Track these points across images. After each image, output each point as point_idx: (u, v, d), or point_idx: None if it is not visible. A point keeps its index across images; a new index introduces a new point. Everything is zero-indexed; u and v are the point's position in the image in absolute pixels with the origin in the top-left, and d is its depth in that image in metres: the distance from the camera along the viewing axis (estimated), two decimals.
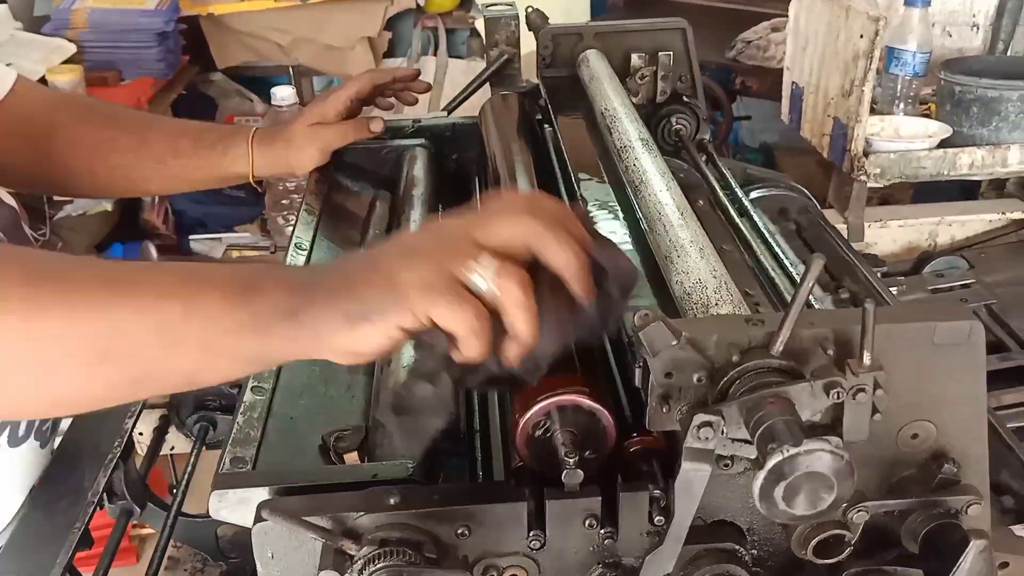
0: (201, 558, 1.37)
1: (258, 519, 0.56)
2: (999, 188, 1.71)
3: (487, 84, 1.24)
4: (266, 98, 3.84)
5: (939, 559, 0.55)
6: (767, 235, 0.95)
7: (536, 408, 0.60)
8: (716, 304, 0.59)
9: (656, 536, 0.59)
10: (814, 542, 0.55)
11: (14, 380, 0.52)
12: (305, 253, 0.91)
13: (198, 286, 0.53)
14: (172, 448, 1.40)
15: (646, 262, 0.74)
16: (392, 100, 1.11)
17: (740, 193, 1.04)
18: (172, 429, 1.38)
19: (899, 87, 1.46)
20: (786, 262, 0.88)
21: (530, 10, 1.17)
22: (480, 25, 3.40)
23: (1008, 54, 1.56)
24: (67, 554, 0.92)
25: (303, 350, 0.53)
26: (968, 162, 1.35)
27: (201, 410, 1.35)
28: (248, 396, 0.69)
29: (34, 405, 0.57)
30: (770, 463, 0.46)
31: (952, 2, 1.55)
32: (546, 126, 1.13)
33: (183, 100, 3.19)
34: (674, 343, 0.51)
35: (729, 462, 0.55)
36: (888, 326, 0.53)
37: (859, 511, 0.55)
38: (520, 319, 0.51)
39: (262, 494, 0.59)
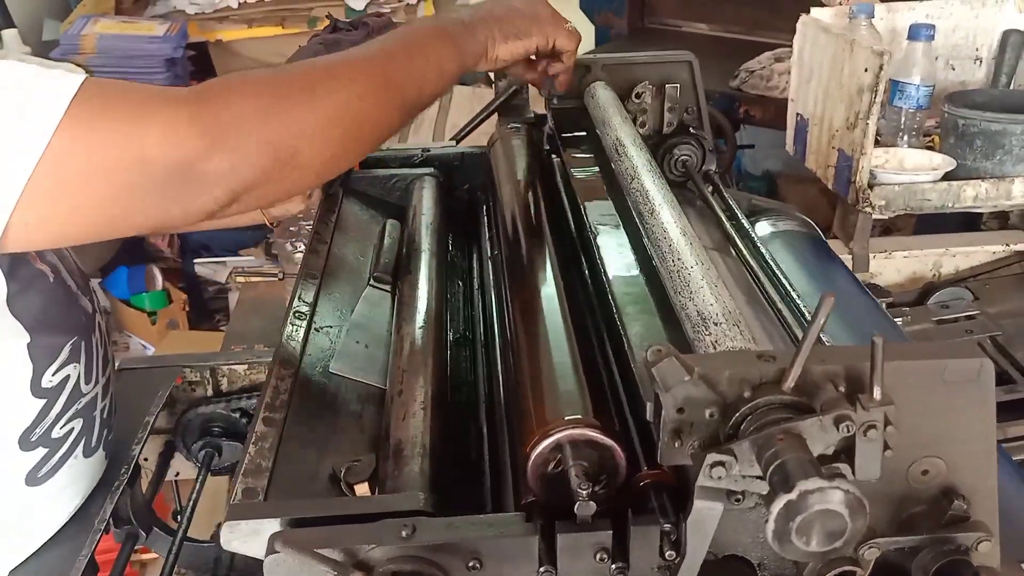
0: None
1: (270, 551, 0.56)
2: (1002, 218, 1.72)
3: (495, 114, 1.25)
4: None
5: None
6: (774, 267, 0.95)
7: (548, 441, 0.60)
8: (729, 339, 0.60)
9: (667, 571, 0.59)
10: (831, 575, 0.55)
11: (353, 134, 0.76)
12: (316, 282, 0.92)
13: (419, 34, 0.86)
14: (177, 474, 1.40)
15: (654, 293, 0.75)
16: None
17: (747, 224, 1.05)
18: (177, 455, 1.38)
19: (903, 119, 1.47)
20: (793, 295, 0.88)
21: None
22: None
23: (1011, 87, 1.58)
24: None
25: (476, 58, 0.90)
26: (972, 195, 1.36)
27: (206, 436, 1.36)
28: (260, 427, 0.69)
29: (355, 136, 0.77)
30: (782, 501, 0.47)
31: (955, 36, 1.57)
32: (554, 156, 1.14)
33: None
34: (686, 379, 0.52)
35: (741, 497, 0.55)
36: (898, 363, 0.53)
37: (870, 548, 0.55)
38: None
39: (274, 525, 0.59)
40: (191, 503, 1.24)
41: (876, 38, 1.37)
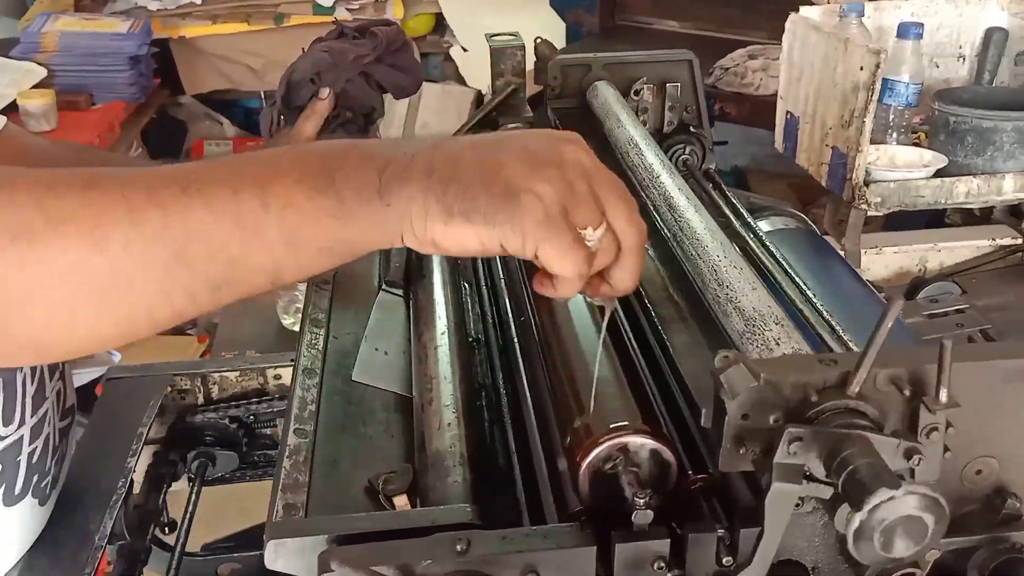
0: None
1: (324, 569, 0.54)
2: (966, 214, 1.75)
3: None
4: (237, 121, 3.82)
5: None
6: (787, 266, 0.95)
7: (601, 449, 0.59)
8: (778, 342, 0.59)
9: None
10: None
11: (84, 299, 0.47)
12: (328, 288, 0.90)
13: (274, 172, 0.49)
14: (168, 486, 1.36)
15: (683, 294, 0.75)
16: None
17: (753, 222, 1.05)
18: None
19: (892, 117, 1.49)
20: (810, 294, 0.88)
21: (539, 41, 1.17)
22: (455, 51, 3.42)
23: (993, 84, 1.61)
24: None
25: (387, 237, 0.51)
26: (965, 191, 1.38)
27: (199, 446, 1.33)
28: (292, 439, 0.68)
29: (109, 329, 0.49)
30: (865, 509, 0.46)
31: (939, 34, 1.60)
32: None
33: (152, 124, 3.15)
34: (754, 385, 0.51)
35: (800, 502, 0.55)
36: (956, 364, 0.53)
37: (932, 549, 0.55)
38: (633, 273, 0.55)
39: (320, 543, 0.58)
40: (188, 516, 1.21)
41: (867, 36, 1.38)
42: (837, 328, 0.83)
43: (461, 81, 3.39)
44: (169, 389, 1.32)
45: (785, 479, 0.51)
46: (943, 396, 0.51)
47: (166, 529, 1.34)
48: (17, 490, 0.82)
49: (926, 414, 0.52)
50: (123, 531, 1.17)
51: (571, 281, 0.53)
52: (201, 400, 1.35)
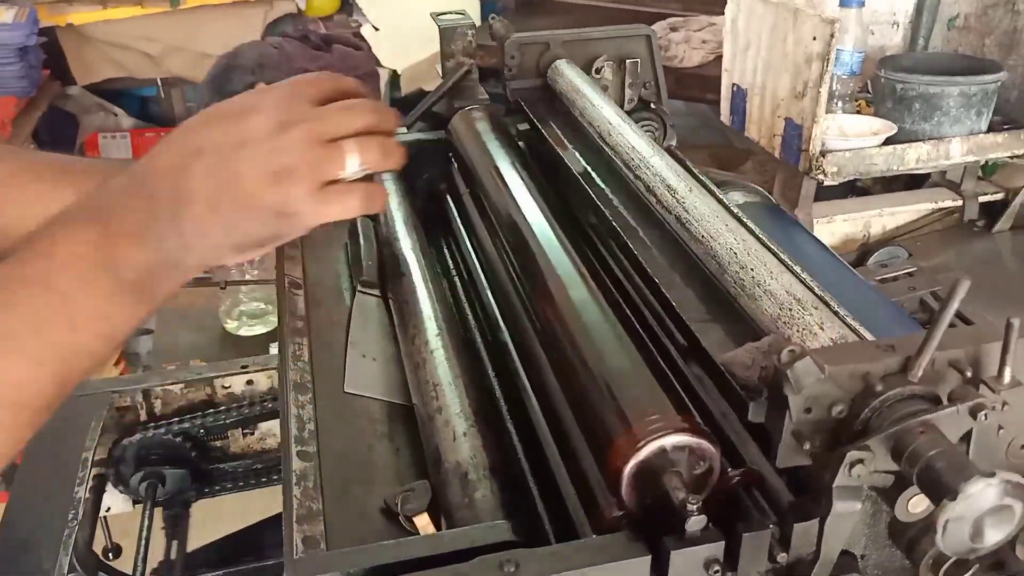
0: None
1: None
2: (884, 183, 1.79)
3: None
4: (133, 110, 3.61)
5: None
6: (767, 240, 0.94)
7: (643, 451, 0.56)
8: (822, 327, 0.57)
9: (774, 574, 0.56)
10: (946, 565, 0.54)
11: None
12: (301, 293, 0.84)
13: (63, 290, 0.51)
14: (108, 509, 1.27)
15: (694, 281, 0.72)
16: None
17: (725, 198, 1.03)
18: (110, 488, 1.26)
19: (837, 86, 1.50)
20: (797, 268, 0.87)
21: (493, 19, 1.12)
22: (366, 31, 3.31)
23: (928, 50, 1.64)
24: None
25: (187, 280, 0.56)
26: (915, 156, 1.40)
27: (145, 466, 1.24)
28: (296, 463, 0.62)
29: None
30: (950, 507, 0.44)
31: (874, 2, 1.62)
32: (520, 142, 1.09)
33: (41, 119, 2.95)
34: (820, 377, 0.49)
35: None
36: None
37: None
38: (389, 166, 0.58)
39: None
40: (143, 541, 1.13)
41: (811, 5, 1.38)
42: (828, 308, 0.82)
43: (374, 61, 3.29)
44: (108, 408, 1.23)
45: (847, 499, 0.49)
46: (1007, 375, 0.49)
47: (110, 555, 1.26)
48: None
49: (988, 393, 0.50)
50: (74, 564, 1.08)
51: (366, 204, 0.56)
52: (144, 417, 1.26)
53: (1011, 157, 1.48)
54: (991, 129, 1.45)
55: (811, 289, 0.71)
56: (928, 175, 1.63)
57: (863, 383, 0.50)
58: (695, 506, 0.53)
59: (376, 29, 3.29)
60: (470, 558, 0.53)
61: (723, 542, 0.54)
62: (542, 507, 0.67)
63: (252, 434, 1.28)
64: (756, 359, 0.57)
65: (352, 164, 0.54)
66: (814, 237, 1.11)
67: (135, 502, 1.25)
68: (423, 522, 0.61)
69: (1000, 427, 0.53)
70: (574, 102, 0.98)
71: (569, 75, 1.04)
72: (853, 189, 1.85)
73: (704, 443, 0.56)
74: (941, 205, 1.57)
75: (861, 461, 0.48)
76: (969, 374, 0.51)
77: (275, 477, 1.29)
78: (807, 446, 0.51)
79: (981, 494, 0.44)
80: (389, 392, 0.75)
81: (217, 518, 1.34)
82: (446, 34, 1.17)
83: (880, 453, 0.49)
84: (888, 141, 1.41)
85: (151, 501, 1.20)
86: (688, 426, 0.57)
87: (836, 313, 0.71)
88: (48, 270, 0.52)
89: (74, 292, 0.52)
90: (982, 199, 1.58)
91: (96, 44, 3.23)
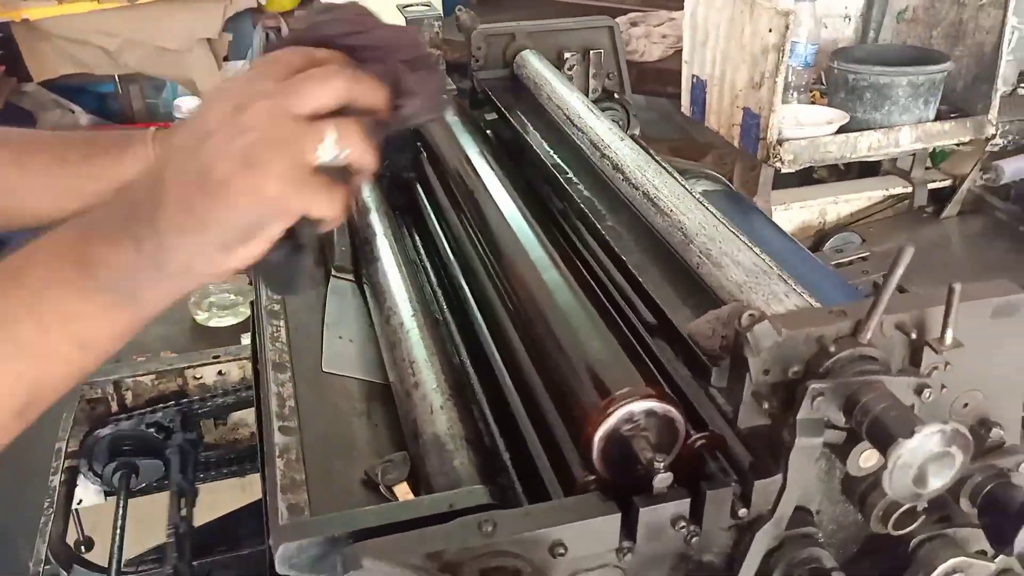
0: None
1: (352, 566, 0.52)
2: (833, 170, 1.84)
3: None
4: (90, 107, 3.57)
5: (999, 516, 0.59)
6: (727, 224, 0.98)
7: (611, 416, 0.59)
8: (787, 295, 0.61)
9: (737, 530, 0.60)
10: (895, 516, 0.58)
11: None
12: None
13: (36, 288, 0.50)
14: (80, 502, 1.28)
15: (650, 247, 0.75)
16: None
17: (687, 185, 1.07)
18: (81, 480, 1.26)
19: (792, 77, 1.55)
20: (756, 249, 0.91)
21: (460, 10, 1.15)
22: None
23: (879, 42, 1.70)
24: None
25: (180, 290, 0.53)
26: (867, 144, 1.45)
27: (118, 456, 1.25)
28: (279, 438, 0.64)
29: None
30: (896, 453, 0.48)
31: None
32: (487, 130, 1.11)
33: None
34: (777, 340, 0.52)
35: None
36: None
37: None
38: (369, 161, 0.53)
39: (335, 542, 0.55)
40: (118, 531, 1.13)
41: None
42: (789, 281, 0.86)
43: None
44: (79, 400, 1.23)
45: (809, 433, 0.52)
46: (948, 337, 0.53)
47: (82, 548, 1.26)
48: None
49: (930, 354, 0.54)
50: (48, 556, 1.09)
51: (337, 212, 0.52)
52: (115, 408, 1.27)
53: (957, 144, 1.55)
54: (939, 117, 1.51)
55: (772, 267, 0.75)
56: (880, 165, 1.69)
57: (817, 346, 0.54)
58: (662, 464, 0.56)
59: None
60: (450, 520, 0.55)
61: (688, 499, 0.57)
62: (516, 475, 0.70)
63: (224, 424, 1.30)
64: (716, 328, 0.61)
65: (329, 143, 0.50)
66: (773, 223, 1.16)
67: (107, 494, 1.26)
68: (403, 491, 0.64)
69: (943, 386, 0.57)
70: (540, 90, 1.01)
71: (535, 65, 1.06)
72: (808, 180, 1.91)
73: (670, 408, 0.60)
74: (892, 192, 1.62)
75: (821, 394, 0.51)
76: (914, 336, 0.54)
77: (248, 466, 1.31)
78: (766, 406, 0.54)
79: (925, 441, 0.48)
80: (366, 371, 0.77)
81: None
82: (411, 25, 1.19)
83: (832, 410, 0.53)
84: (841, 130, 1.46)
85: (125, 491, 1.21)
86: (654, 392, 0.60)
87: (795, 289, 0.75)
88: (21, 267, 0.51)
89: (42, 288, 0.50)
90: (931, 186, 1.65)
91: (52, 40, 3.19)
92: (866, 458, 0.54)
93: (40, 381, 0.51)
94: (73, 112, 3.59)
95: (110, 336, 0.53)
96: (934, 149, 1.62)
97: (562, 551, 0.55)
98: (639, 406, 0.59)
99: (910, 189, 1.64)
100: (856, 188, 1.62)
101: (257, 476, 1.27)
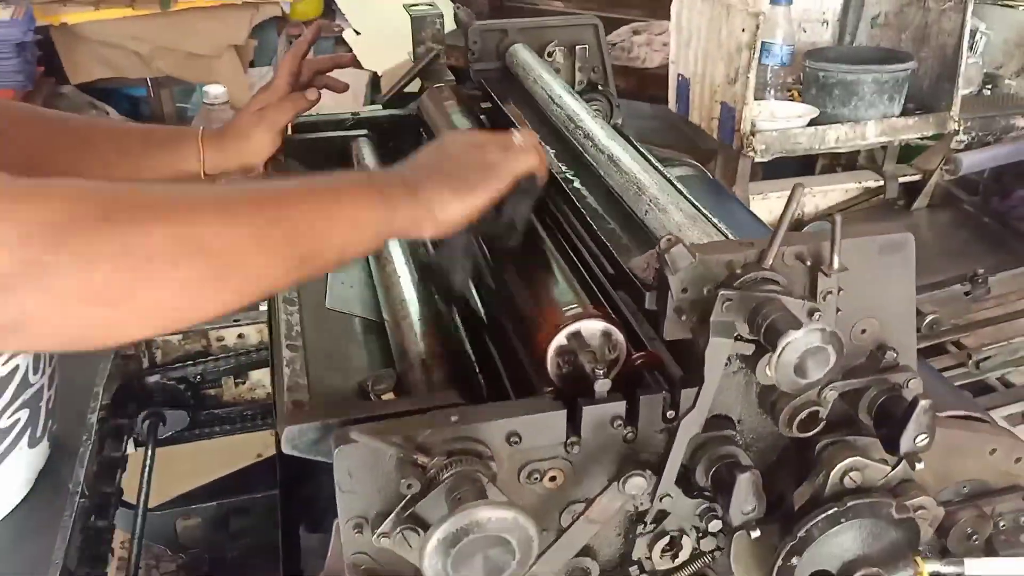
0: (154, 554, 1.39)
1: (342, 442, 0.63)
2: (833, 161, 1.95)
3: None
4: (123, 109, 3.73)
5: (892, 424, 0.69)
6: (700, 207, 1.09)
7: (561, 332, 0.70)
8: (719, 231, 0.72)
9: (668, 433, 0.71)
10: (798, 418, 0.69)
11: (212, 273, 0.60)
12: None
13: (336, 180, 0.73)
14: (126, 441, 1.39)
15: (616, 211, 0.87)
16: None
17: (661, 167, 1.18)
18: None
19: (769, 76, 1.67)
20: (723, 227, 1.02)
21: (457, 8, 1.27)
22: (348, 35, 3.46)
23: (854, 44, 1.81)
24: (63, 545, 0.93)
25: (417, 221, 0.73)
26: (835, 137, 1.56)
27: (148, 406, 1.37)
28: (286, 353, 0.76)
29: (225, 299, 0.63)
30: (782, 345, 0.59)
31: (805, 1, 1.79)
32: (481, 115, 1.23)
33: None
34: (691, 262, 0.63)
35: (728, 361, 0.68)
36: (844, 241, 0.67)
37: (831, 390, 0.69)
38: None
39: (331, 428, 0.67)
40: (147, 472, 1.26)
41: (745, 3, 1.54)
42: (720, 227, 0.96)
43: (355, 64, 3.44)
44: (113, 355, 1.36)
45: (720, 334, 0.63)
46: (835, 263, 0.65)
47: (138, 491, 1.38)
48: (39, 433, 0.90)
49: (823, 279, 0.65)
50: (83, 489, 1.21)
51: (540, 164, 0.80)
52: (147, 364, 1.39)
53: (921, 138, 1.65)
54: (904, 113, 1.62)
55: (708, 216, 0.86)
56: (856, 161, 1.80)
57: (727, 269, 0.65)
58: (602, 372, 0.68)
59: (357, 33, 3.45)
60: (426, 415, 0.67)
61: (624, 402, 0.69)
62: (485, 388, 0.82)
63: (244, 383, 1.42)
64: (651, 262, 0.72)
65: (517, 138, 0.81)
66: (748, 209, 1.27)
67: (137, 444, 1.38)
68: (389, 399, 0.75)
69: (839, 309, 0.68)
70: (528, 75, 1.13)
71: (525, 57, 1.19)
72: (803, 171, 2.01)
73: (613, 328, 0.71)
74: (865, 184, 1.73)
75: (730, 300, 0.63)
76: (809, 263, 0.66)
77: (261, 422, 1.43)
78: (684, 318, 0.65)
79: (808, 336, 0.59)
80: (364, 310, 0.89)
81: (209, 462, 1.47)
82: (417, 22, 1.32)
83: (739, 320, 0.64)
84: (812, 123, 1.57)
85: (153, 437, 1.33)
86: (599, 313, 0.72)
87: (726, 235, 0.86)
88: (330, 182, 0.73)
89: (351, 190, 0.72)
90: (902, 180, 1.75)
91: (88, 44, 3.34)
92: (772, 367, 0.65)
93: (347, 242, 0.70)
94: (107, 114, 3.73)
95: (375, 231, 0.71)
96: (906, 144, 1.73)
97: (517, 439, 0.67)
98: (586, 324, 0.71)
99: (882, 182, 1.74)
100: (831, 181, 1.73)
101: (268, 434, 1.40)
